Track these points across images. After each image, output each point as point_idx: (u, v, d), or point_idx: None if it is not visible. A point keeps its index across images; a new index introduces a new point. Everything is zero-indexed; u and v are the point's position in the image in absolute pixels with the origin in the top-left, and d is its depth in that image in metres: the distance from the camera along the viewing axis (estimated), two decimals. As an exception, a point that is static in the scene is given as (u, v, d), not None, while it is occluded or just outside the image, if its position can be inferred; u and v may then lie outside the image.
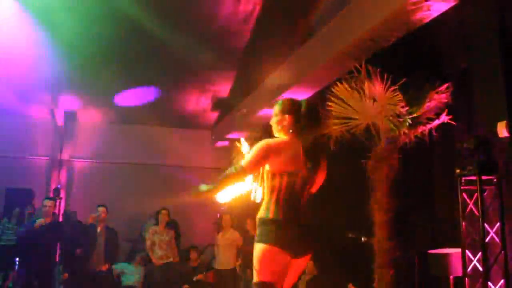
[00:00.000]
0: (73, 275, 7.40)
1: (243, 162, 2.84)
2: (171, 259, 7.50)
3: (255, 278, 2.78)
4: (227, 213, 8.19)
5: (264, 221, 2.83)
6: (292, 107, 3.01)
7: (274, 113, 3.07)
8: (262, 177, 2.96)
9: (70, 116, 11.24)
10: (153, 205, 8.64)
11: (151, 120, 11.52)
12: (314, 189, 3.00)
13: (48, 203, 6.77)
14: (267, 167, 2.89)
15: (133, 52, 8.32)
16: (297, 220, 2.82)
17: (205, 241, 9.94)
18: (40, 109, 10.92)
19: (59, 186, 10.80)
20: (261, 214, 2.88)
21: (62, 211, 10.59)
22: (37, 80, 9.09)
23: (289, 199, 2.83)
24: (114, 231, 7.35)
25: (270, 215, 2.81)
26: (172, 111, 11.32)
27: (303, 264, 2.95)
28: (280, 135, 3.03)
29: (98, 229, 7.08)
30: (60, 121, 10.99)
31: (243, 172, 2.84)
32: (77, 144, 11.44)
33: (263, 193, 2.94)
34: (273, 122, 3.06)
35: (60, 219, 9.96)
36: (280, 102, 3.10)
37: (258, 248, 2.78)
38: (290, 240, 2.76)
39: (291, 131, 2.96)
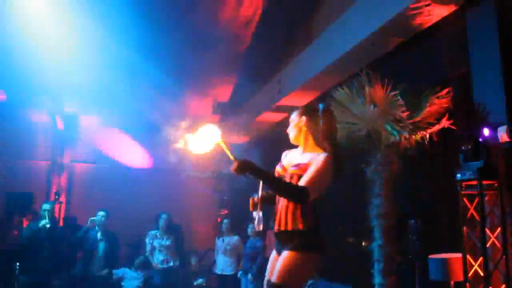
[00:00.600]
0: (73, 279, 7.40)
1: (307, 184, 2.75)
2: (171, 264, 7.49)
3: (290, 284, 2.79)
4: (226, 217, 8.18)
5: (307, 232, 2.82)
6: (307, 108, 3.07)
7: (290, 120, 3.10)
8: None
9: (71, 120, 11.24)
10: (154, 209, 8.63)
11: (151, 124, 11.51)
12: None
13: (46, 207, 6.77)
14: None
15: (133, 56, 8.33)
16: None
17: (206, 246, 9.93)
18: (40, 113, 10.93)
19: (59, 190, 10.81)
20: (299, 225, 2.83)
21: (63, 215, 10.61)
22: (38, 84, 9.10)
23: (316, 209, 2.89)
24: (115, 236, 7.34)
25: (311, 225, 2.83)
26: (173, 115, 11.33)
27: None
28: (298, 141, 3.05)
29: (99, 234, 7.06)
30: (60, 124, 10.99)
31: (298, 195, 2.76)
32: (78, 148, 11.44)
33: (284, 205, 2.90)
34: (290, 127, 3.08)
35: (61, 224, 9.97)
36: (299, 107, 3.15)
37: (303, 256, 2.79)
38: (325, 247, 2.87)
39: (311, 137, 2.98)
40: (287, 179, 2.89)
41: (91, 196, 10.56)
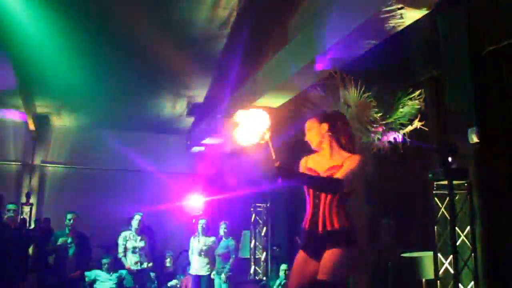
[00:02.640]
0: (44, 282, 7.27)
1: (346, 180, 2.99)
2: (145, 265, 7.42)
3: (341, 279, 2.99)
4: (202, 218, 8.16)
5: (348, 230, 3.05)
6: (325, 116, 3.30)
7: (310, 126, 3.27)
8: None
9: (43, 120, 11.04)
10: (127, 211, 8.54)
11: (126, 125, 11.42)
12: None
13: (12, 207, 6.63)
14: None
15: (107, 55, 8.24)
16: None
17: (180, 247, 9.88)
18: (11, 113, 10.70)
19: (30, 192, 10.61)
20: (345, 224, 3.05)
21: (33, 218, 10.41)
22: (8, 83, 8.92)
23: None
24: (86, 237, 7.23)
25: (347, 224, 3.06)
26: (147, 116, 11.25)
27: None
28: (321, 147, 3.23)
29: (69, 236, 6.94)
30: (32, 125, 10.78)
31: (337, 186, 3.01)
32: (49, 148, 11.25)
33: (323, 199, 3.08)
34: (311, 134, 3.25)
35: (32, 226, 9.79)
36: (314, 115, 3.38)
37: (350, 252, 3.02)
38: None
39: (334, 142, 3.19)
40: None
41: (62, 198, 10.41)
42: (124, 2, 7.10)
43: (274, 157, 2.93)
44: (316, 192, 3.10)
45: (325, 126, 3.20)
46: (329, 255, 2.97)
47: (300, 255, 3.16)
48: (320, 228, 3.05)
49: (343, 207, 3.06)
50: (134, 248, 7.41)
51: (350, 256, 3.01)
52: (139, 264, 7.37)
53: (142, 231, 7.68)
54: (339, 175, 2.99)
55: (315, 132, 3.23)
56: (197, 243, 7.78)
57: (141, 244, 7.46)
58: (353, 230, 3.07)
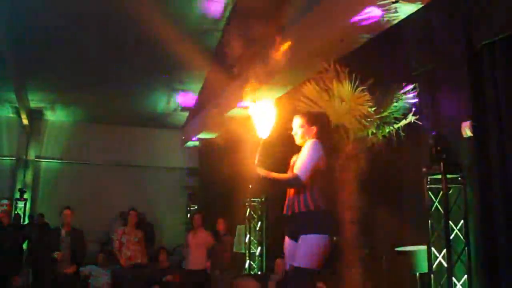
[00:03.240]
0: (39, 278, 7.25)
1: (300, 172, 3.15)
2: (139, 260, 7.41)
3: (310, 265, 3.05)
4: (198, 212, 8.15)
5: (319, 213, 3.13)
6: (318, 119, 3.47)
7: (299, 125, 3.42)
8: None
9: (37, 115, 10.98)
10: (122, 206, 8.53)
11: (120, 120, 11.39)
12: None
13: (4, 202, 6.60)
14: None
15: (101, 49, 8.20)
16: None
17: (175, 242, 9.88)
18: (4, 108, 10.64)
19: (24, 187, 10.58)
20: (310, 206, 3.13)
21: (28, 213, 10.38)
22: (1, 77, 8.86)
23: (324, 191, 3.23)
24: (81, 232, 7.20)
25: (322, 205, 3.15)
26: (142, 111, 11.22)
27: None
28: (303, 144, 3.36)
29: (63, 231, 6.91)
30: (25, 120, 10.72)
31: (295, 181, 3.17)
32: (43, 143, 11.21)
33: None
34: (299, 133, 3.41)
35: (27, 221, 9.76)
36: (304, 114, 3.55)
37: (321, 238, 3.07)
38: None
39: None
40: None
41: (57, 193, 10.39)
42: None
43: (256, 157, 3.18)
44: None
45: (314, 129, 3.37)
46: (302, 241, 3.09)
47: (286, 240, 3.32)
48: (289, 212, 3.22)
49: (310, 189, 3.16)
50: (129, 243, 7.39)
51: (322, 242, 3.07)
52: (133, 259, 7.35)
53: (137, 226, 7.66)
54: (295, 168, 3.19)
55: (302, 132, 3.40)
56: (192, 237, 7.78)
57: (136, 239, 7.44)
58: (322, 214, 3.14)
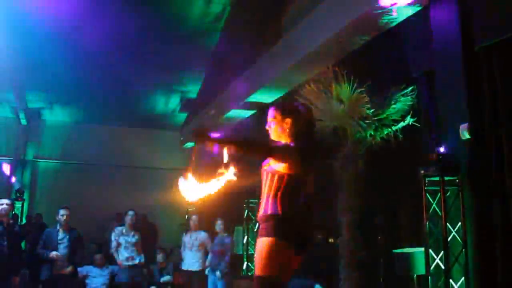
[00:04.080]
0: (37, 278, 7.23)
1: (276, 147, 2.93)
2: (137, 261, 7.40)
3: (260, 272, 2.78)
4: (195, 213, 8.14)
5: (281, 217, 2.85)
6: (292, 110, 3.08)
7: (272, 117, 3.06)
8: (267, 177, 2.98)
9: (35, 115, 10.96)
10: (120, 206, 8.53)
11: (119, 121, 11.37)
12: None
13: (4, 201, 6.56)
14: (275, 167, 2.93)
15: (100, 49, 8.18)
16: (298, 217, 2.91)
17: (172, 242, 9.87)
18: (2, 108, 10.62)
19: (22, 187, 10.55)
20: (269, 210, 2.89)
21: (25, 213, 10.37)
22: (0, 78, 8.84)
23: (291, 197, 2.90)
24: (79, 233, 7.19)
25: (287, 211, 2.86)
26: (140, 112, 11.21)
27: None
28: (280, 139, 3.04)
29: (61, 232, 6.90)
30: (24, 120, 10.71)
31: (268, 152, 2.90)
32: (42, 143, 11.19)
33: (264, 192, 2.97)
34: (272, 126, 3.06)
35: (24, 221, 9.74)
36: (278, 105, 3.17)
37: (266, 242, 2.80)
38: (294, 234, 2.84)
39: (291, 134, 3.01)
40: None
41: (55, 193, 10.36)
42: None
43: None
44: (264, 176, 3.00)
45: (288, 121, 3.02)
46: (256, 246, 2.89)
47: None
48: (258, 214, 2.99)
49: (282, 195, 2.88)
50: (127, 243, 7.38)
51: (275, 248, 2.76)
52: (131, 259, 7.34)
53: (135, 226, 7.66)
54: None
55: (275, 125, 3.05)
56: (189, 238, 7.77)
57: (134, 240, 7.43)
58: (285, 219, 2.83)
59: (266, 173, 3.00)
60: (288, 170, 2.89)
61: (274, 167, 2.93)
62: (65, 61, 8.35)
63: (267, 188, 2.95)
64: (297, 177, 2.91)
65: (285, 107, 3.12)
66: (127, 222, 7.54)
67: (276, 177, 2.91)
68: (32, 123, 10.98)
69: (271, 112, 3.08)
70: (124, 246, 7.34)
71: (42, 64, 8.51)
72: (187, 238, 7.81)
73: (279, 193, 2.88)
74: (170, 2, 7.41)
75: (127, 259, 7.31)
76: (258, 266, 2.80)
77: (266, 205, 2.91)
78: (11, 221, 6.82)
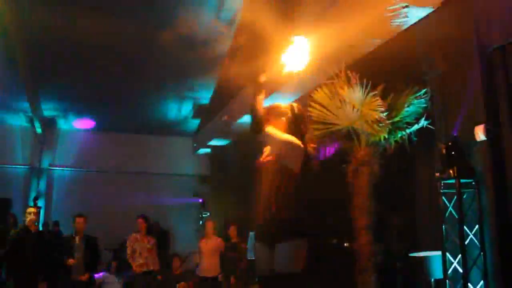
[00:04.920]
0: (54, 285, 7.29)
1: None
2: (151, 267, 7.42)
3: None
4: (209, 220, 8.15)
5: (294, 220, 3.02)
6: (285, 111, 3.23)
7: (269, 117, 3.17)
8: None
9: (50, 123, 11.09)
10: (135, 213, 8.56)
11: (132, 128, 11.45)
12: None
13: (32, 210, 6.66)
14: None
15: (113, 58, 8.26)
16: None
17: (187, 249, 9.89)
18: (18, 117, 10.76)
19: (38, 195, 10.66)
20: (287, 213, 3.01)
21: (42, 221, 10.45)
22: (15, 87, 8.96)
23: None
24: (94, 239, 7.24)
25: (296, 213, 3.02)
26: (154, 119, 11.28)
27: None
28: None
29: (77, 239, 6.95)
30: (39, 128, 10.83)
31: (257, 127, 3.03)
32: (57, 151, 11.31)
33: None
34: (272, 127, 3.13)
35: (40, 229, 9.81)
36: (271, 106, 3.28)
37: (298, 244, 2.99)
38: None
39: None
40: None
41: (70, 201, 10.45)
42: (130, 5, 7.11)
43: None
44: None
45: (283, 121, 3.19)
46: (281, 247, 2.98)
47: (257, 247, 3.21)
48: (261, 219, 3.08)
49: (286, 198, 2.99)
50: (142, 250, 7.40)
51: (300, 247, 2.99)
52: (145, 266, 7.36)
53: (150, 232, 7.68)
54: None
55: (275, 126, 3.15)
56: (205, 244, 7.78)
57: (148, 246, 7.46)
58: (298, 220, 3.01)
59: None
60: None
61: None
62: (79, 70, 8.44)
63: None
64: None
65: (279, 109, 3.26)
66: (139, 229, 7.56)
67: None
68: (47, 131, 11.10)
69: (267, 113, 3.16)
70: (139, 252, 7.37)
71: (56, 73, 8.60)
72: (202, 244, 7.82)
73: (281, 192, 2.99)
74: (181, 10, 7.45)
75: (142, 265, 7.34)
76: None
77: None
78: (40, 229, 6.89)
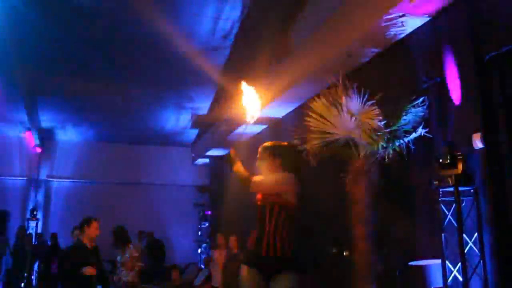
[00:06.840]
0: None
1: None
2: (124, 279, 7.18)
3: None
4: (219, 232, 8.20)
5: (295, 256, 3.28)
6: (280, 151, 3.48)
7: (262, 156, 3.46)
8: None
9: (47, 135, 11.08)
10: (134, 224, 8.54)
11: (131, 138, 11.45)
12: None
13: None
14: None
15: (111, 69, 8.28)
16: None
17: (186, 260, 9.84)
18: (16, 128, 10.75)
19: (36, 207, 10.62)
20: (289, 251, 3.23)
21: (39, 232, 10.41)
22: (12, 98, 8.96)
23: None
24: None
25: (295, 248, 3.25)
26: (152, 129, 11.28)
27: None
28: (265, 172, 3.43)
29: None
30: (36, 140, 10.82)
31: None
32: (54, 163, 11.29)
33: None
34: (263, 164, 3.43)
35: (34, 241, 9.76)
36: (267, 146, 3.54)
37: (298, 277, 3.17)
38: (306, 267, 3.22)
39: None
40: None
41: (68, 212, 10.41)
42: (127, 17, 7.14)
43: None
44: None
45: (277, 162, 3.40)
46: (281, 280, 3.14)
47: (249, 274, 3.27)
48: (263, 252, 3.18)
49: (290, 232, 3.19)
50: (118, 263, 7.26)
51: (300, 281, 3.16)
52: (120, 278, 7.22)
53: (148, 245, 7.64)
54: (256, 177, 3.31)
55: (266, 164, 3.43)
56: (219, 255, 7.77)
57: (121, 259, 7.32)
58: (298, 256, 3.26)
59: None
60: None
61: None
62: (77, 81, 8.44)
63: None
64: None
65: (275, 150, 3.49)
66: (139, 241, 7.47)
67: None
68: (45, 142, 11.09)
69: (261, 152, 3.49)
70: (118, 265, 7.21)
71: (54, 84, 8.61)
72: (216, 254, 7.82)
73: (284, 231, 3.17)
74: (180, 19, 7.47)
75: (119, 279, 7.14)
76: None
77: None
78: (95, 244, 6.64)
